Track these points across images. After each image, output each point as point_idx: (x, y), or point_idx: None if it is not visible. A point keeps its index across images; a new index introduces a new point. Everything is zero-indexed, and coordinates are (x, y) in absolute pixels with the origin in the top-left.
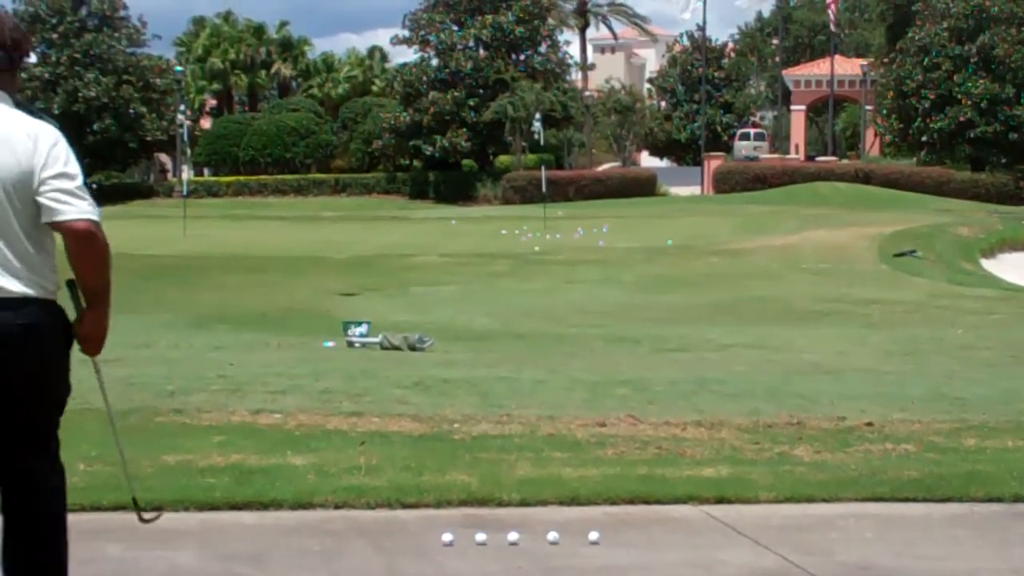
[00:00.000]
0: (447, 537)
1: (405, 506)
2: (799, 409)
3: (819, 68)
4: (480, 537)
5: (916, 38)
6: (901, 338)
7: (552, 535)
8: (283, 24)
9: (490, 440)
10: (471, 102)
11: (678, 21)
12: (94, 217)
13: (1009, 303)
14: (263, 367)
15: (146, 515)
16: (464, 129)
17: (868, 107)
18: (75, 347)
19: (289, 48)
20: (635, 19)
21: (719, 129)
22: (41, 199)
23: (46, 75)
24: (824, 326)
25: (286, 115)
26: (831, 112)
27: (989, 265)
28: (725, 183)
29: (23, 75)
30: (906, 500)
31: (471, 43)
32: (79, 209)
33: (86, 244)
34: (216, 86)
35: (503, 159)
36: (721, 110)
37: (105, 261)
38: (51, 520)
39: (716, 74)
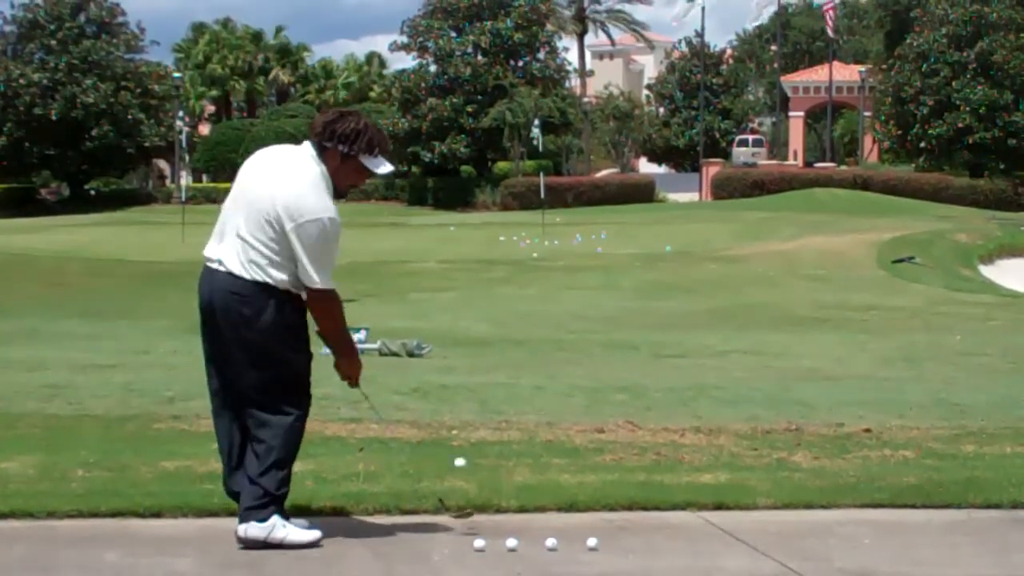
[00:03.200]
0: (446, 544)
1: (403, 512)
2: (797, 415)
3: (817, 74)
4: (478, 543)
5: (915, 44)
6: (899, 344)
7: (550, 541)
8: (280, 29)
9: (488, 446)
10: (469, 108)
11: (676, 27)
12: (320, 285)
13: (1008, 309)
14: None
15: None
16: (463, 135)
17: (866, 113)
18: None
19: (288, 54)
20: (633, 25)
21: (717, 135)
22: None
23: (45, 81)
24: (822, 332)
25: (284, 121)
26: (829, 118)
27: (988, 271)
28: (723, 189)
29: (24, 82)
30: (904, 506)
31: (469, 49)
32: (310, 280)
33: (313, 302)
34: (215, 92)
35: (502, 165)
36: (719, 116)
37: (329, 317)
38: (256, 449)
39: (714, 80)
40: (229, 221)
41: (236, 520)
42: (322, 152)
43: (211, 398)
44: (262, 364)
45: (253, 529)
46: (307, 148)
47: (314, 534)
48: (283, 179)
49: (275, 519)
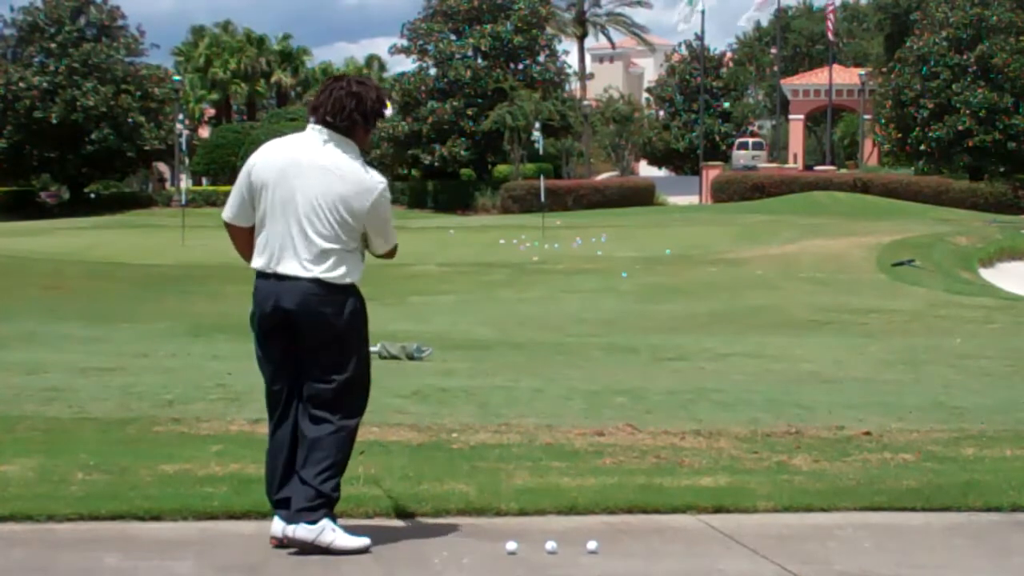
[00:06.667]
0: (446, 547)
1: (404, 516)
2: (797, 418)
3: (817, 77)
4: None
5: (914, 47)
6: (899, 347)
7: (550, 544)
8: (286, 36)
9: (488, 449)
10: (469, 111)
11: (676, 30)
12: (390, 246)
13: (1007, 312)
14: (261, 376)
15: None
16: (463, 138)
17: (866, 116)
18: None
19: (289, 58)
20: (633, 28)
21: (717, 138)
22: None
23: (44, 84)
24: (822, 335)
25: (284, 124)
26: (829, 121)
27: (987, 274)
28: (723, 192)
29: (24, 86)
30: (904, 509)
31: (469, 52)
32: (384, 246)
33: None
34: (215, 95)
35: (501, 168)
36: (719, 119)
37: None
38: (320, 450)
39: (714, 83)
40: (282, 231)
41: (257, 521)
42: (350, 131)
43: (273, 409)
44: (343, 362)
45: (302, 530)
46: (322, 134)
47: (363, 541)
48: (335, 171)
49: (325, 522)
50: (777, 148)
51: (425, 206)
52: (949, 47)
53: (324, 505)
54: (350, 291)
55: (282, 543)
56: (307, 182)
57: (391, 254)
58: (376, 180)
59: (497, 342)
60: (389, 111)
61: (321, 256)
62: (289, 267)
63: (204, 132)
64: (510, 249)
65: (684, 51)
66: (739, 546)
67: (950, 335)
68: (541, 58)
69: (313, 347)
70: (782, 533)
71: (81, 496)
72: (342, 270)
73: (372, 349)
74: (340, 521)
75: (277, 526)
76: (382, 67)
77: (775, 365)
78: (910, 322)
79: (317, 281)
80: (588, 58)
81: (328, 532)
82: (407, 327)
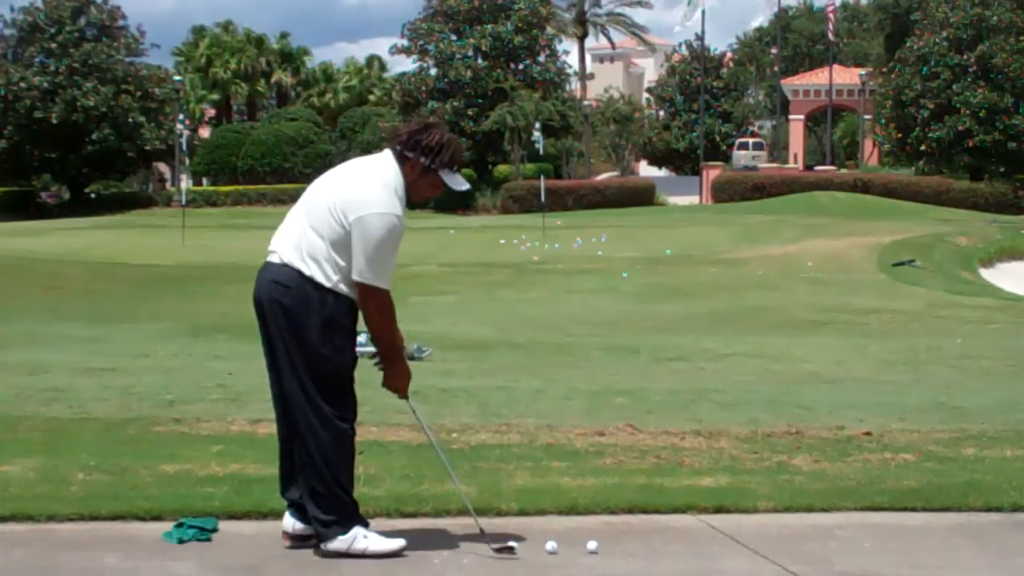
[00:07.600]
0: (446, 547)
1: (404, 516)
2: (798, 418)
3: (818, 77)
4: (479, 547)
5: (915, 47)
6: (899, 347)
7: (551, 544)
8: (284, 35)
9: (489, 449)
10: (470, 111)
11: (676, 31)
12: (370, 281)
13: (1008, 312)
14: (262, 376)
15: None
16: (463, 138)
17: (867, 116)
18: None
19: (289, 58)
20: (634, 28)
21: (718, 139)
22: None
23: (45, 84)
24: (822, 335)
25: (285, 124)
26: (829, 121)
27: (988, 274)
28: (724, 192)
29: (24, 86)
30: (905, 510)
31: (470, 52)
32: (361, 273)
33: (363, 298)
34: (216, 96)
35: (502, 169)
36: (720, 120)
37: (376, 316)
38: (307, 457)
39: (715, 83)
40: (292, 215)
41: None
42: (403, 161)
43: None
44: (302, 361)
45: (335, 543)
46: (388, 155)
47: (398, 543)
48: (356, 177)
49: (356, 530)
50: (777, 148)
51: (425, 206)
52: (949, 47)
53: (343, 516)
54: (317, 289)
55: (294, 540)
56: (328, 185)
57: (373, 299)
58: (381, 203)
59: (497, 342)
60: (462, 186)
61: (302, 244)
62: (274, 243)
63: (205, 132)
64: (510, 249)
65: (684, 51)
66: (739, 546)
67: (951, 335)
68: (541, 58)
69: (278, 340)
70: (782, 533)
71: (82, 496)
72: (315, 266)
73: (372, 349)
74: None
75: (288, 522)
76: (382, 67)
77: (775, 365)
78: (910, 322)
79: (286, 268)
80: (588, 58)
81: (360, 540)
82: (407, 327)
